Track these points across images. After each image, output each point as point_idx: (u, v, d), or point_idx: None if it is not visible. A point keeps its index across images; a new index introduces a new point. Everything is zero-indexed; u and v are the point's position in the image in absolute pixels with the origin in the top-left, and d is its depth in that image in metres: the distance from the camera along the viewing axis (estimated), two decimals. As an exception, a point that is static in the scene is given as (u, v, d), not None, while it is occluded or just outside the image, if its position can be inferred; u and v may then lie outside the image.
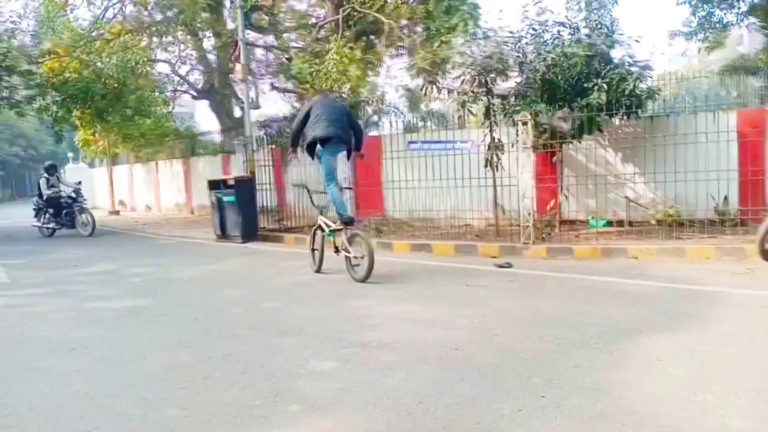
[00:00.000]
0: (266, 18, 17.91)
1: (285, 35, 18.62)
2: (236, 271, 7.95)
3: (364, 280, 6.44)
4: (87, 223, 13.55)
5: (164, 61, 20.36)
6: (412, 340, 4.26)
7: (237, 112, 19.75)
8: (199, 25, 17.85)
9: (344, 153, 7.10)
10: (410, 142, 10.50)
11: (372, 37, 14.92)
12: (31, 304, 6.21)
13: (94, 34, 16.31)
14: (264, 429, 2.92)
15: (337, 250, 6.90)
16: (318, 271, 7.22)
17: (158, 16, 17.65)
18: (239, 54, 12.59)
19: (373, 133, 15.02)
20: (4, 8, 16.42)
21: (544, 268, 7.11)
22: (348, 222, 6.79)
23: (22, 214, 28.20)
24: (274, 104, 33.60)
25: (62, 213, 13.75)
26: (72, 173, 35.06)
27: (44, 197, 13.86)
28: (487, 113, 9.20)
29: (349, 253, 6.62)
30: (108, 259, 9.64)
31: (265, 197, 11.64)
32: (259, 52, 20.18)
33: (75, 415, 3.18)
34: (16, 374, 3.92)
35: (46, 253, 10.90)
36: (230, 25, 17.81)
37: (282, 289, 6.51)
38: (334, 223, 6.94)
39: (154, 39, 18.34)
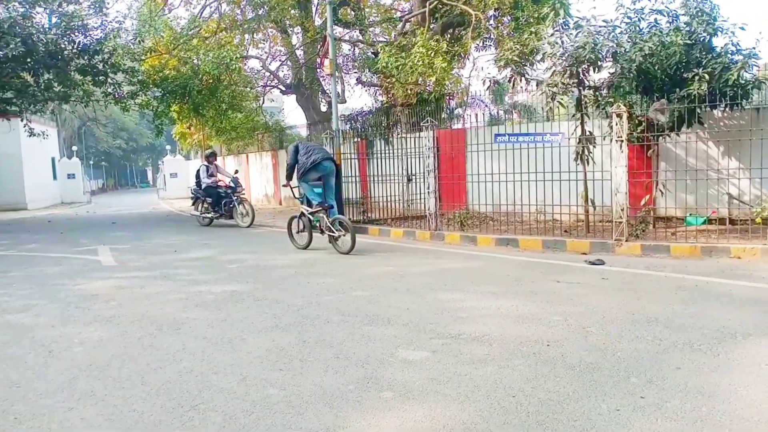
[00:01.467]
0: (352, 13, 18.18)
1: (371, 30, 18.82)
2: (325, 260, 8.17)
3: (348, 252, 8.21)
4: (246, 213, 13.18)
5: (255, 57, 21.11)
6: (503, 335, 4.24)
7: (324, 107, 20.17)
8: (288, 21, 18.39)
9: (332, 169, 8.96)
10: (497, 135, 10.34)
11: (458, 29, 14.81)
12: (139, 286, 6.65)
13: (191, 32, 17.11)
14: (359, 413, 3.01)
15: (322, 232, 8.65)
16: (305, 248, 8.94)
17: (250, 14, 18.32)
18: (327, 49, 12.85)
19: (457, 126, 14.92)
20: (111, 9, 17.40)
21: (638, 266, 6.85)
22: (327, 207, 8.60)
23: (125, 203, 30.22)
24: (359, 98, 34.54)
25: (221, 203, 13.41)
26: (169, 164, 37.21)
27: (203, 186, 13.70)
28: (578, 105, 8.94)
29: (333, 232, 8.44)
30: (205, 246, 10.17)
31: (351, 189, 11.87)
32: (345, 47, 20.52)
33: (182, 389, 3.41)
34: (130, 351, 4.23)
35: (148, 239, 11.63)
36: (318, 21, 18.21)
37: (370, 279, 6.65)
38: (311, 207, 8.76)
39: (246, 36, 19.06)
